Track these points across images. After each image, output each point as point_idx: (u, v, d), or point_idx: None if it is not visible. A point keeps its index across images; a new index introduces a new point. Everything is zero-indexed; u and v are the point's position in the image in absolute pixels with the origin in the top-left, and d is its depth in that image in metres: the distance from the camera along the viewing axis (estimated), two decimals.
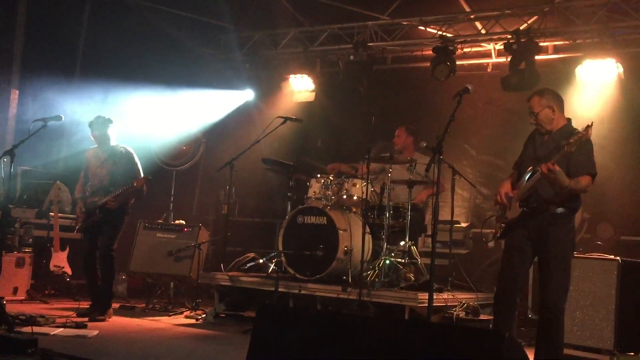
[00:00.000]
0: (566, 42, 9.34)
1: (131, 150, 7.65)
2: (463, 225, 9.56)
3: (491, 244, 8.87)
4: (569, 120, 5.40)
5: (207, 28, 10.94)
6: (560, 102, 5.41)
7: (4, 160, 6.68)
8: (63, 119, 7.04)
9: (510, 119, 9.39)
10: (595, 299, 5.90)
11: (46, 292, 8.84)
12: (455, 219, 8.89)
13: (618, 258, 5.89)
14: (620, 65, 8.52)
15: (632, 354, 5.85)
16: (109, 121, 7.58)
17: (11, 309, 6.69)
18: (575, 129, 5.19)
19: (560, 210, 5.23)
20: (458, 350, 3.54)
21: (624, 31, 8.73)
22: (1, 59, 9.76)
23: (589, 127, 4.91)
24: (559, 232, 5.22)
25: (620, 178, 8.60)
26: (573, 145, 4.89)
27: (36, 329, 5.84)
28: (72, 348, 5.35)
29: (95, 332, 6.34)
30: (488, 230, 8.24)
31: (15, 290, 8.46)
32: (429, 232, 8.73)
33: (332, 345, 3.79)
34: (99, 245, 7.48)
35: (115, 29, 10.12)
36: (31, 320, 6.29)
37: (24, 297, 8.50)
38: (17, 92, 9.79)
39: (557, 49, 9.53)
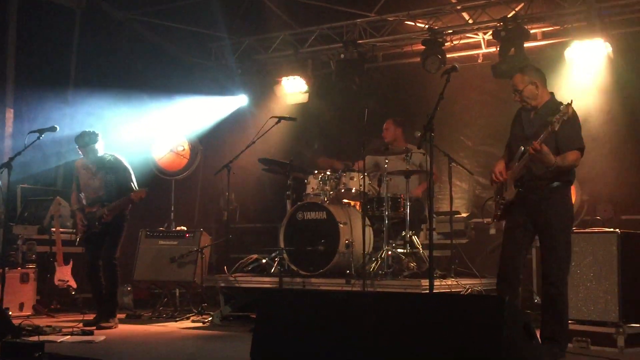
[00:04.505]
0: (555, 28, 9.39)
1: (120, 157, 7.60)
2: (463, 215, 9.59)
3: (492, 231, 8.91)
4: (552, 94, 5.49)
5: (197, 37, 11.00)
6: (542, 78, 5.50)
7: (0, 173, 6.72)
8: (58, 129, 7.06)
9: (504, 107, 9.36)
10: (597, 273, 5.89)
11: (52, 306, 8.83)
12: (455, 209, 8.93)
13: (617, 230, 5.89)
14: (609, 45, 8.54)
15: (638, 325, 5.85)
16: (95, 134, 7.52)
17: (18, 322, 6.67)
18: (560, 103, 5.27)
19: (555, 184, 5.31)
20: (461, 316, 3.58)
21: (611, 11, 8.76)
22: None
23: (569, 104, 5.09)
24: (556, 204, 5.30)
25: (617, 157, 8.62)
26: (557, 123, 5.01)
27: (43, 338, 5.81)
28: (80, 351, 5.35)
29: (103, 338, 6.36)
30: (487, 220, 8.27)
31: (21, 306, 8.48)
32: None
33: (336, 321, 3.81)
34: (102, 256, 7.50)
35: (106, 43, 10.22)
36: (38, 330, 6.29)
37: (30, 313, 8.50)
38: (12, 111, 9.80)
39: (545, 35, 9.58)
